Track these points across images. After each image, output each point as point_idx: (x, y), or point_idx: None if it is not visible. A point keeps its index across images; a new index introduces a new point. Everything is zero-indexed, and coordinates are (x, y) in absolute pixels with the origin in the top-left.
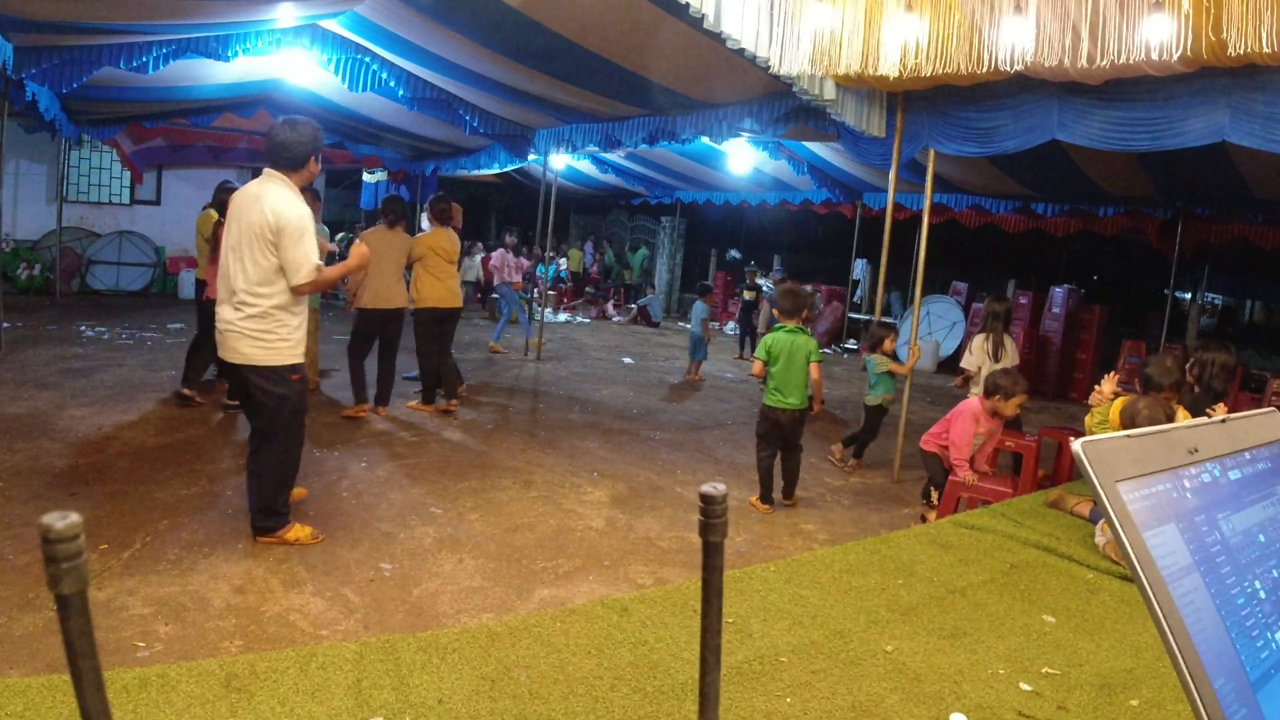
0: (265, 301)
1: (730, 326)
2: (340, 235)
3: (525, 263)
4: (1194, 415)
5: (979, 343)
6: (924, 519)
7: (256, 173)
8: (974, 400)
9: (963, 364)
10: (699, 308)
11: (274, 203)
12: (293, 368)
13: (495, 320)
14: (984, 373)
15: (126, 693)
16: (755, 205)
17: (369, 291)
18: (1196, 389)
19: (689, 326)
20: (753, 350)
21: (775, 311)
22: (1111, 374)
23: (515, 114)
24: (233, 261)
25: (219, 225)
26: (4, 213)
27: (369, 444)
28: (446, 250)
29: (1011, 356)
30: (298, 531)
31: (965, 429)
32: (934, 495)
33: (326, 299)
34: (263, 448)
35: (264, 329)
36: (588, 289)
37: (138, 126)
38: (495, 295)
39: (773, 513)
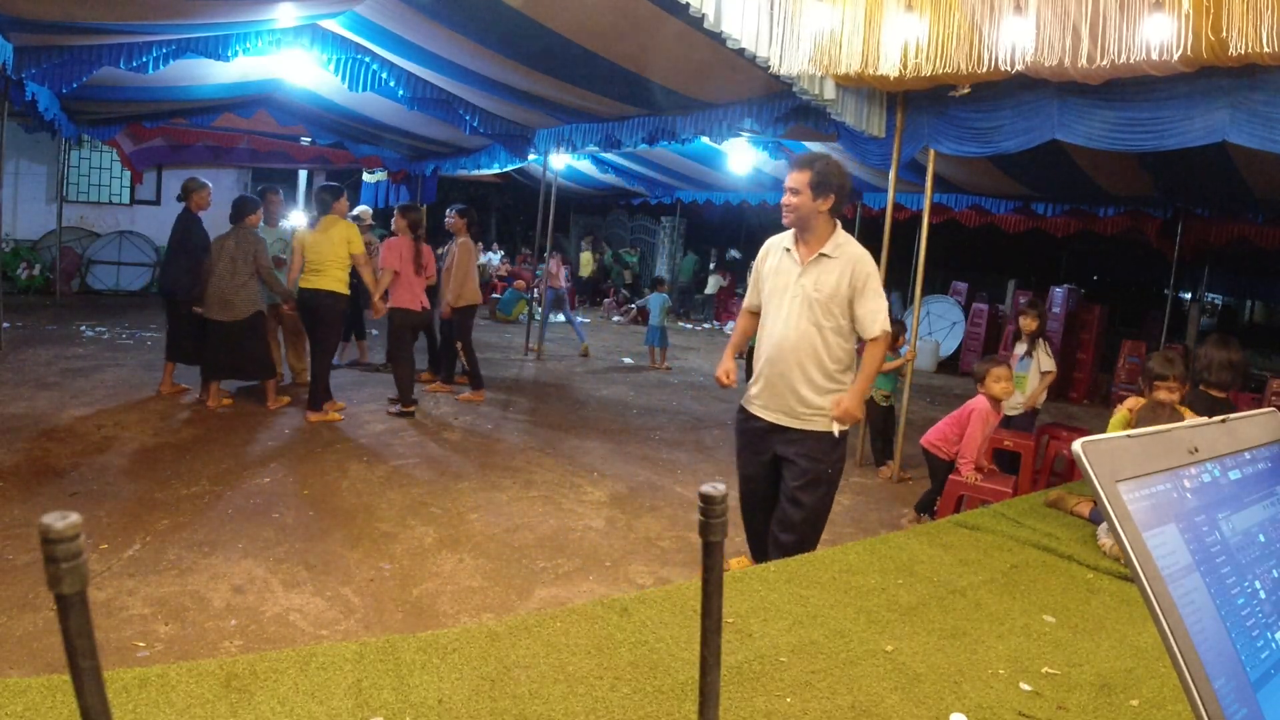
0: None
1: (730, 326)
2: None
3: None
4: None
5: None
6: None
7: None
8: (979, 399)
9: None
10: (658, 298)
11: None
12: (831, 435)
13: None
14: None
15: (126, 693)
16: (755, 205)
17: (468, 291)
18: (1201, 387)
19: (653, 323)
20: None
21: None
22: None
23: (515, 114)
24: None
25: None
26: (4, 213)
27: (369, 443)
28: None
29: (1041, 364)
30: None
31: (978, 432)
32: (934, 510)
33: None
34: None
35: None
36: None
37: (138, 126)
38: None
39: None
